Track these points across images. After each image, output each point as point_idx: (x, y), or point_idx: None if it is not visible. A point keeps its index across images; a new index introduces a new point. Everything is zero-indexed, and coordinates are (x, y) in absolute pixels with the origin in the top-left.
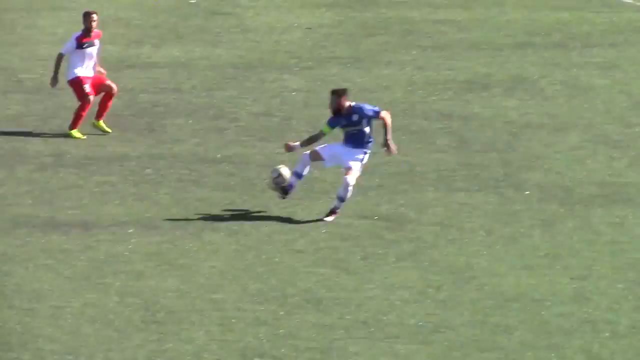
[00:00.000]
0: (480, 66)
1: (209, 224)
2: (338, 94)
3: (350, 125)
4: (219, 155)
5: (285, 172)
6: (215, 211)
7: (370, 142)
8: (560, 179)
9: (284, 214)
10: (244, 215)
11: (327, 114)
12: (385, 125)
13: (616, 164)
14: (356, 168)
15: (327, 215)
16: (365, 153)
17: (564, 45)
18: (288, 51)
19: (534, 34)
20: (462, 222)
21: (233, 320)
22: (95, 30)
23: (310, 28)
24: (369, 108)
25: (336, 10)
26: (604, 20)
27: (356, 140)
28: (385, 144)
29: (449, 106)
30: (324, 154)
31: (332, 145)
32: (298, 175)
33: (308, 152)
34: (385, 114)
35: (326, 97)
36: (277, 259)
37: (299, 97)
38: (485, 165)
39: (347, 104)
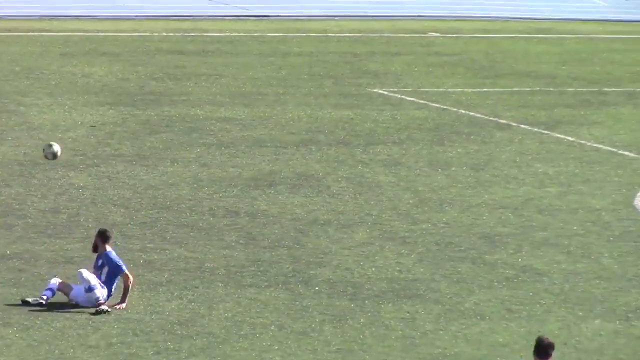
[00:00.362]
0: (264, 163)
1: (0, 319)
2: (98, 233)
3: (95, 267)
4: (8, 252)
5: (55, 149)
6: (7, 307)
7: (107, 292)
8: (349, 275)
9: (76, 309)
10: (36, 311)
11: (112, 211)
12: (125, 288)
13: (404, 260)
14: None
15: (99, 307)
16: (102, 293)
17: (348, 142)
18: (73, 148)
19: (317, 132)
20: (253, 318)
21: None
22: None
23: (94, 126)
24: (117, 261)
25: (119, 109)
26: (387, 118)
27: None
28: (120, 302)
29: (236, 203)
30: (71, 293)
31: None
32: (52, 291)
33: (58, 281)
34: (128, 275)
35: (114, 194)
36: (70, 354)
37: (85, 193)
38: (274, 261)
39: (106, 248)
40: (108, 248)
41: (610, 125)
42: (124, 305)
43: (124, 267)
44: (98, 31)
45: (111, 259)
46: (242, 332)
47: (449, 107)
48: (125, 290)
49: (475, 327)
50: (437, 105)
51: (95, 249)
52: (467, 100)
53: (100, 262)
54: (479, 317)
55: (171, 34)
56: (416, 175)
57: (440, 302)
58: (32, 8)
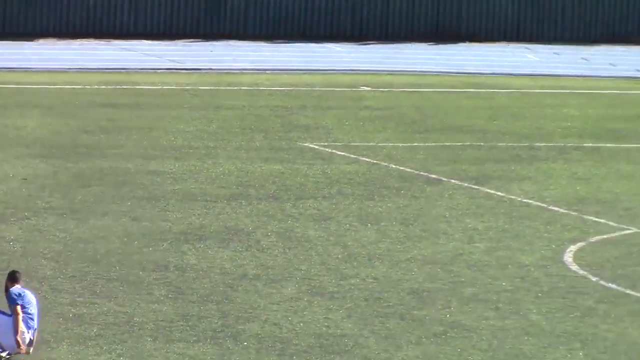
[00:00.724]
0: (195, 217)
1: None
2: (7, 275)
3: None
4: None
5: None
6: None
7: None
8: (277, 330)
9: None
10: None
11: (42, 264)
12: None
13: (333, 315)
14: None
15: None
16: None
17: (278, 197)
18: (4, 201)
19: (248, 186)
20: None
21: None
22: None
23: (25, 178)
24: (12, 297)
25: (51, 161)
26: (317, 173)
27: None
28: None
29: (165, 257)
30: None
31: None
32: None
33: None
34: (17, 311)
35: (44, 247)
36: None
37: (16, 246)
38: (202, 315)
39: (14, 286)
40: (15, 287)
41: (540, 181)
42: (21, 346)
43: (14, 305)
44: (31, 83)
45: (9, 294)
46: None
47: (379, 162)
48: (16, 330)
49: None
50: (367, 159)
51: (6, 290)
52: (397, 154)
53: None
54: None
55: (104, 86)
56: (346, 230)
57: (368, 357)
58: None
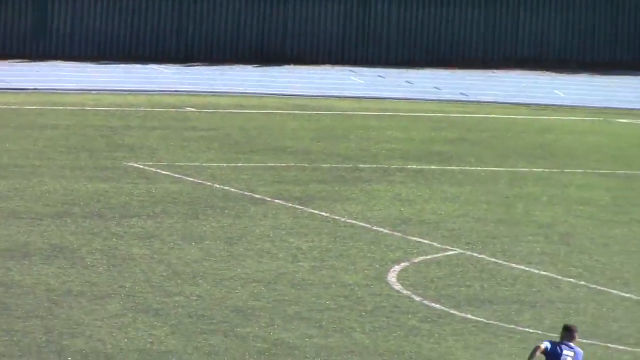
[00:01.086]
0: (20, 234)
1: None
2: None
3: None
4: None
5: None
6: None
7: None
8: (102, 346)
9: None
10: None
11: None
12: None
13: (157, 332)
14: None
15: None
16: None
17: (103, 215)
18: None
19: (73, 204)
20: None
21: None
22: None
23: None
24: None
25: None
26: (142, 192)
27: None
28: None
29: None
30: None
31: None
32: None
33: None
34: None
35: None
36: None
37: None
38: (27, 331)
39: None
40: None
41: (364, 202)
42: None
43: None
44: None
45: None
46: None
47: (203, 182)
48: None
49: None
50: (192, 179)
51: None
52: (222, 174)
53: None
54: None
55: None
56: (170, 248)
57: None
58: None
